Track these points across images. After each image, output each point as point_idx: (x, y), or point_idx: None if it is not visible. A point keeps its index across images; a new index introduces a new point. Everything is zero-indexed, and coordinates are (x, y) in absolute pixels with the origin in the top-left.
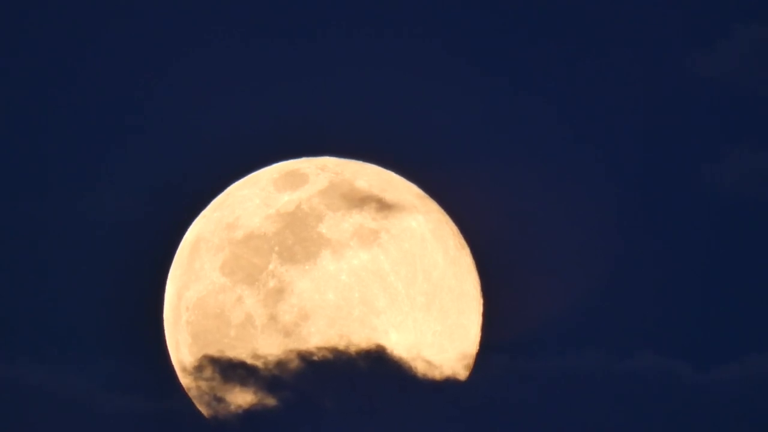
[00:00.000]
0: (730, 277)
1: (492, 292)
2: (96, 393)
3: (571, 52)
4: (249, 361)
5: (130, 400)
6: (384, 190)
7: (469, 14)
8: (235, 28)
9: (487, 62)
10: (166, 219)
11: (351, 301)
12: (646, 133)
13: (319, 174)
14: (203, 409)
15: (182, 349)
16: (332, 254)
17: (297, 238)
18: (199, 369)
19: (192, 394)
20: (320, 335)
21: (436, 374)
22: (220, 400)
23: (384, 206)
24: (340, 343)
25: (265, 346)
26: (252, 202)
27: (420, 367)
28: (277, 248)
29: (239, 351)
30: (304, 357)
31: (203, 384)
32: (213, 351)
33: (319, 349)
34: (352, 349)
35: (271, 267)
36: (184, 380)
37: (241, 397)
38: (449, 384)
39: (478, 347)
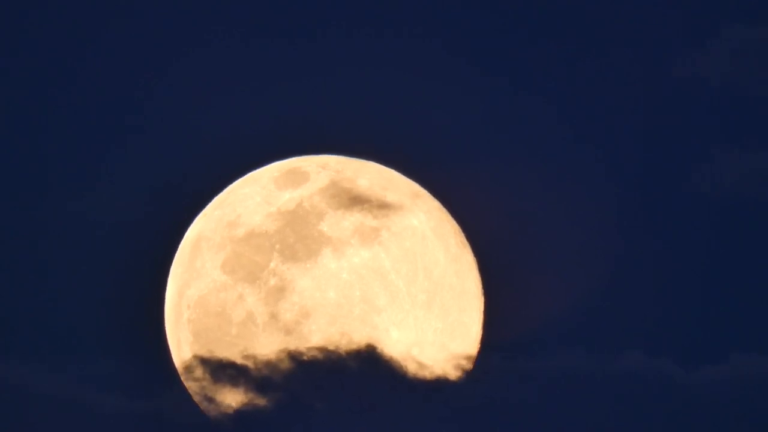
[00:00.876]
0: (726, 277)
1: (492, 292)
2: (96, 392)
3: (566, 52)
4: (239, 361)
5: (131, 399)
6: (385, 188)
7: (469, 14)
8: (235, 28)
9: (487, 62)
10: (166, 218)
11: (352, 299)
12: (638, 133)
13: (320, 172)
14: (204, 408)
15: (183, 347)
16: (333, 252)
17: (298, 236)
18: (189, 369)
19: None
20: (321, 333)
21: (427, 374)
22: (211, 400)
23: (385, 204)
24: (341, 341)
25: (266, 345)
26: (253, 200)
27: (411, 367)
28: (278, 246)
29: (240, 349)
30: (295, 357)
31: (193, 384)
32: (214, 349)
33: (309, 348)
34: (343, 349)
35: (272, 265)
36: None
37: (232, 397)
38: (441, 384)
39: (479, 345)
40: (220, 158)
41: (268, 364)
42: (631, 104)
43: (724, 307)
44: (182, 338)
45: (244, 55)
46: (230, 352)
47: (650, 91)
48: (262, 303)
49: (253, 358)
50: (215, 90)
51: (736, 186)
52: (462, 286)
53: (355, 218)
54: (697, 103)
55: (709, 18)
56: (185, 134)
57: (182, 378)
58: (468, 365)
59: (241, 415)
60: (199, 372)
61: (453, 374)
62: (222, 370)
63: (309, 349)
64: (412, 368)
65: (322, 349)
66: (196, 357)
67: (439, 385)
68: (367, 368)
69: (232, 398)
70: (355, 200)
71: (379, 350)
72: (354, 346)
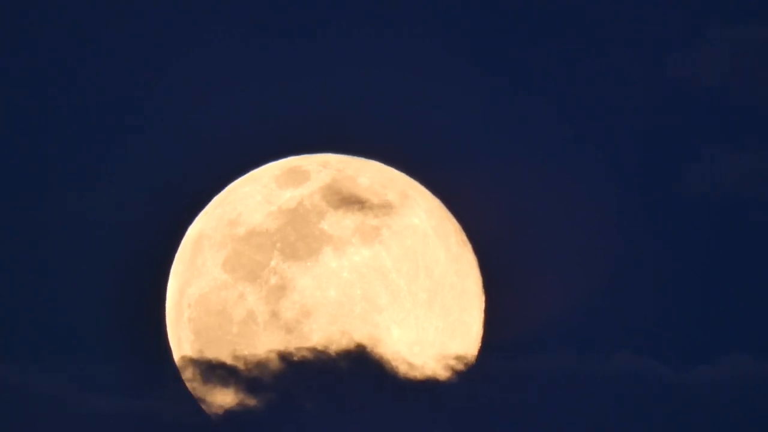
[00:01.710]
0: (722, 278)
1: (492, 292)
2: (97, 392)
3: (566, 52)
4: (229, 361)
5: (132, 397)
6: (386, 187)
7: (469, 14)
8: (236, 28)
9: (487, 62)
10: (167, 217)
11: (353, 298)
12: (634, 133)
13: (321, 171)
14: (204, 407)
15: (184, 345)
16: (334, 251)
17: (299, 235)
18: (179, 370)
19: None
20: (322, 332)
21: (417, 374)
22: (201, 400)
23: (386, 203)
24: (341, 340)
25: (267, 343)
26: (254, 199)
27: (401, 368)
28: (278, 245)
29: (241, 347)
30: (285, 357)
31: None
32: (214, 348)
33: (298, 349)
34: (333, 349)
35: (272, 264)
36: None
37: (222, 398)
38: (432, 384)
39: (479, 344)
40: (220, 157)
41: (259, 365)
42: (627, 104)
43: (722, 307)
44: (183, 337)
45: (245, 55)
46: (230, 350)
47: (646, 91)
48: (263, 301)
49: (244, 358)
50: (216, 89)
51: (731, 186)
52: (463, 285)
53: (355, 217)
54: (691, 103)
55: (703, 18)
56: (186, 133)
57: (182, 376)
58: (459, 365)
59: (231, 415)
60: (188, 373)
61: (443, 374)
62: (212, 371)
63: (299, 349)
64: (403, 368)
65: (312, 349)
66: (183, 358)
67: (431, 385)
68: (358, 369)
69: (222, 399)
70: (354, 200)
71: (369, 350)
72: (345, 346)
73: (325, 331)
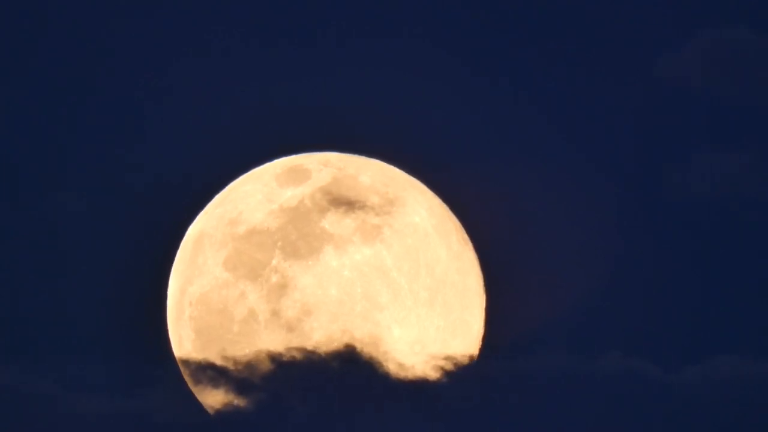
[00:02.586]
0: (721, 278)
1: (493, 292)
2: (97, 391)
3: (565, 52)
4: (219, 362)
5: (132, 396)
6: (387, 186)
7: (469, 14)
8: (236, 27)
9: (487, 60)
10: (167, 216)
11: (354, 297)
12: (625, 133)
13: (322, 169)
14: (206, 406)
15: (185, 344)
16: (335, 250)
17: (300, 234)
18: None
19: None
20: (323, 331)
21: (408, 375)
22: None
23: (387, 202)
24: (342, 339)
25: (268, 342)
26: (255, 198)
27: (392, 368)
28: (279, 244)
29: (242, 346)
30: (274, 358)
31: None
32: (216, 347)
33: (288, 349)
34: (322, 350)
35: (273, 262)
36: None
37: (213, 398)
38: (426, 385)
39: (480, 343)
40: (221, 156)
41: (248, 366)
42: (620, 105)
43: (724, 307)
44: (184, 335)
45: (246, 53)
46: (231, 350)
47: (637, 92)
48: (264, 300)
49: (233, 359)
50: (217, 88)
51: (721, 187)
52: (464, 284)
53: (356, 215)
54: (679, 103)
55: (689, 19)
56: (187, 132)
57: (184, 374)
58: (449, 366)
59: (224, 416)
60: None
61: (433, 375)
62: (202, 372)
63: (288, 350)
64: (395, 369)
65: (301, 350)
66: (179, 359)
67: (426, 386)
68: (348, 369)
69: (213, 399)
70: (344, 201)
71: (359, 350)
72: (334, 347)
73: (326, 329)
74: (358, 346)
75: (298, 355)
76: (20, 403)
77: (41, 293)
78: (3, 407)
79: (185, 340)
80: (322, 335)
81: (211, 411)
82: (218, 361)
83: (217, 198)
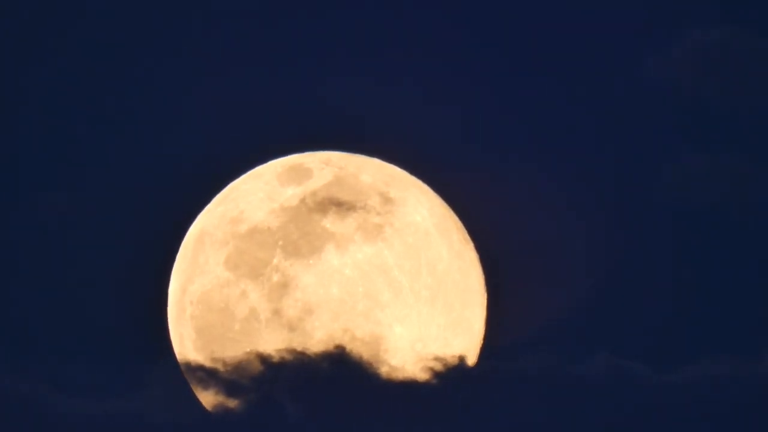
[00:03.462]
0: (712, 279)
1: (493, 290)
2: (98, 390)
3: (566, 52)
4: (208, 364)
5: (133, 396)
6: (388, 185)
7: (469, 14)
8: (237, 25)
9: (488, 58)
10: (168, 215)
11: (355, 296)
12: (605, 136)
13: (323, 168)
14: (208, 406)
15: (186, 343)
16: (336, 248)
17: (301, 233)
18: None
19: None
20: (324, 329)
21: (399, 376)
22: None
23: (388, 201)
24: (344, 338)
25: (270, 341)
26: (256, 197)
27: (383, 370)
28: (281, 242)
29: (243, 345)
30: (265, 359)
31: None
32: (217, 345)
33: (279, 351)
34: (313, 351)
35: (275, 261)
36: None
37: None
38: (413, 386)
39: (482, 341)
40: (222, 155)
41: (238, 367)
42: (610, 106)
43: (717, 308)
44: (185, 334)
45: (247, 52)
46: (234, 349)
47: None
48: (265, 299)
49: (222, 360)
50: (217, 87)
51: (709, 189)
52: (465, 283)
53: (358, 214)
54: (666, 104)
55: (678, 20)
56: (187, 131)
57: (185, 374)
58: (439, 367)
59: (219, 416)
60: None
61: (422, 376)
62: (191, 373)
63: (279, 351)
64: (384, 370)
65: (291, 351)
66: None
67: (421, 386)
68: (340, 370)
69: (205, 401)
70: (335, 202)
71: (349, 351)
72: (324, 347)
73: (328, 328)
74: (352, 348)
75: (289, 357)
76: (20, 403)
77: (41, 293)
78: (2, 407)
79: (186, 339)
80: (323, 334)
81: (211, 411)
82: (208, 363)
83: (218, 197)
